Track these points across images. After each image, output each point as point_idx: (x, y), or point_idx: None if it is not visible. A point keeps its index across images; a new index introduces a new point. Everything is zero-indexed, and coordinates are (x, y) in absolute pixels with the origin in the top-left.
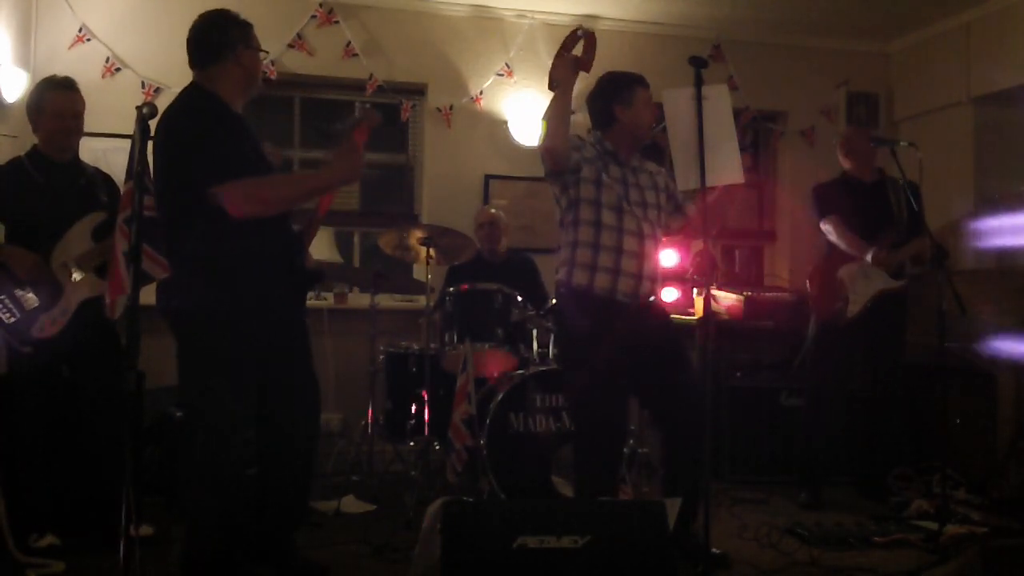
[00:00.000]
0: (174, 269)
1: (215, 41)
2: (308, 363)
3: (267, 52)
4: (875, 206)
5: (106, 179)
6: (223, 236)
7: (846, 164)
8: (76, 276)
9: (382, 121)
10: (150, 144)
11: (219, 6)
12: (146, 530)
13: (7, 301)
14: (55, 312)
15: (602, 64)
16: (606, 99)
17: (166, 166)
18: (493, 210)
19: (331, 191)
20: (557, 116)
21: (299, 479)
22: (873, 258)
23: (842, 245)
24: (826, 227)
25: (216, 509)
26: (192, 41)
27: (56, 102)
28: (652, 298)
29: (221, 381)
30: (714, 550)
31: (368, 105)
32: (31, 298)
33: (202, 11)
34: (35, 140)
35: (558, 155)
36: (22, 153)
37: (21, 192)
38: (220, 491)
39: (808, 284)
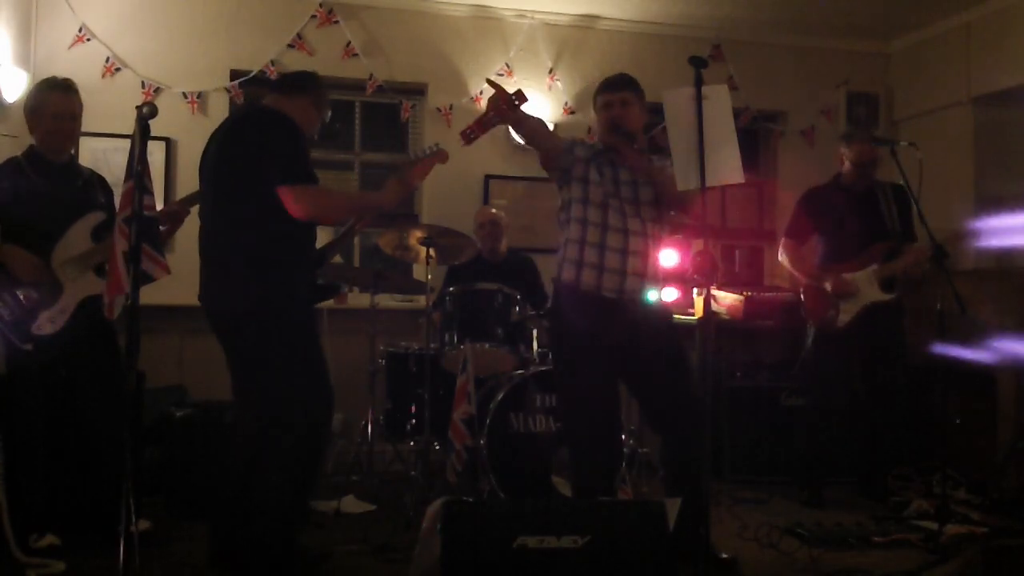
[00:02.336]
0: (225, 269)
1: (304, 83)
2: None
3: (326, 123)
4: (868, 214)
5: (101, 181)
6: (273, 238)
7: (846, 167)
8: (70, 276)
9: (447, 160)
10: (150, 144)
11: (218, 8)
12: (144, 524)
13: (7, 298)
14: (54, 310)
15: (602, 64)
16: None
17: (238, 164)
18: (493, 210)
19: (376, 213)
20: (529, 137)
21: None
22: (832, 287)
23: (796, 273)
24: (780, 249)
25: (291, 499)
26: (288, 75)
27: (55, 103)
28: (648, 297)
29: (296, 373)
30: (723, 555)
31: (438, 145)
32: (31, 296)
33: (202, 12)
34: (33, 140)
35: (548, 158)
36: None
37: (18, 192)
38: (296, 481)
39: (801, 292)
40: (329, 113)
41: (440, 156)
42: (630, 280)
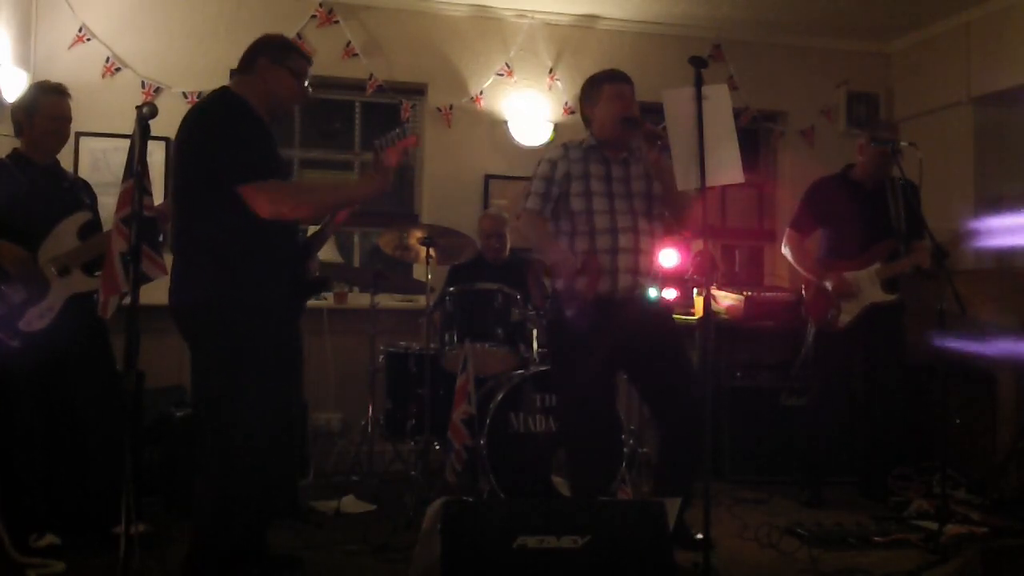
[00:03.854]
0: (187, 264)
1: (248, 55)
2: (301, 374)
3: (307, 85)
4: (874, 211)
5: (86, 185)
6: (237, 232)
7: (862, 162)
8: (57, 273)
9: (417, 143)
10: (150, 144)
11: (218, 8)
12: (141, 527)
13: None
14: (43, 306)
15: (602, 64)
16: (581, 103)
17: (192, 160)
18: (496, 214)
19: (354, 205)
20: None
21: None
22: (833, 286)
23: (798, 267)
24: (784, 240)
25: (236, 504)
26: (246, 51)
27: (55, 105)
28: (647, 294)
29: (245, 374)
30: (697, 535)
31: (408, 125)
32: (19, 292)
33: (202, 12)
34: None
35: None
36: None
37: (5, 193)
38: (244, 486)
39: (803, 289)
40: (309, 70)
41: (409, 140)
42: (623, 278)
